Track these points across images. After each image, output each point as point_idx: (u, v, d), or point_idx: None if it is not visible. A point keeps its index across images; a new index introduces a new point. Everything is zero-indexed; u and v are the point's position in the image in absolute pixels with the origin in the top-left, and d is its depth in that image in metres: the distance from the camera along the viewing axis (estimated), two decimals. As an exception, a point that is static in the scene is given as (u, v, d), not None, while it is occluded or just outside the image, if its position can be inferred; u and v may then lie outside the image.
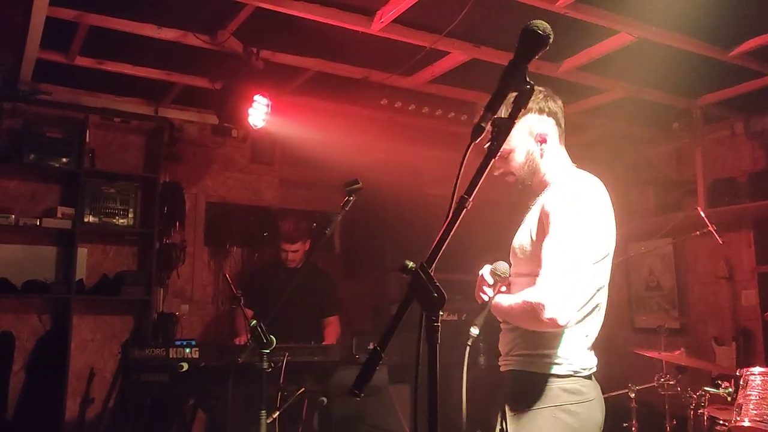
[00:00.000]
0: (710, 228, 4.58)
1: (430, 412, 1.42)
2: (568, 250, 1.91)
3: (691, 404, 4.07)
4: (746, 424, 3.55)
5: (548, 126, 2.19)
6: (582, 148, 5.97)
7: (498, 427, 2.08)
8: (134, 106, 5.32)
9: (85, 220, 4.96)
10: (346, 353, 4.32)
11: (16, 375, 4.76)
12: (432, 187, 5.76)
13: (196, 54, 4.23)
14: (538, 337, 2.02)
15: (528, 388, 2.00)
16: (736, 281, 5.40)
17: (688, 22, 3.71)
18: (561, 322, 1.86)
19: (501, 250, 2.24)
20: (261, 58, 4.19)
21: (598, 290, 2.05)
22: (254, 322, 2.85)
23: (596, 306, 2.06)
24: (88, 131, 5.03)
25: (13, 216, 4.69)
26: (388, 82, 4.67)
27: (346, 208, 2.96)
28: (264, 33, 4.01)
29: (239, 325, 4.83)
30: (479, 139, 1.52)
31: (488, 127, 1.53)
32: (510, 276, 2.14)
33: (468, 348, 1.98)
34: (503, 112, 1.57)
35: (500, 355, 2.19)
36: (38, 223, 4.77)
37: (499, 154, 1.54)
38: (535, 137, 2.16)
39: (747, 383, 3.67)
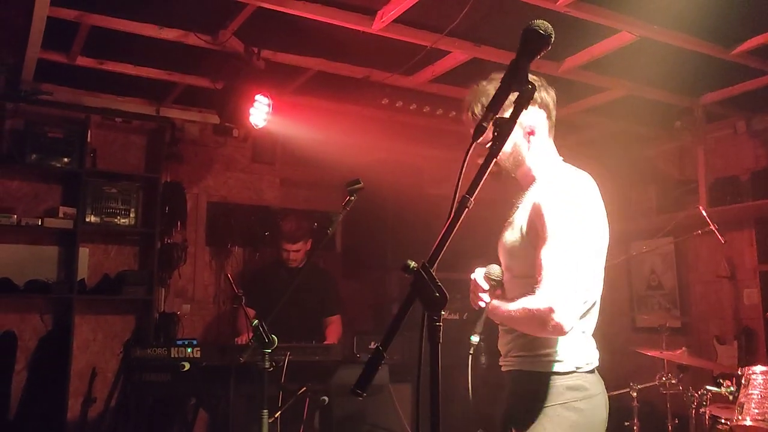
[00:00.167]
0: (712, 227, 4.57)
1: (432, 411, 1.42)
2: (567, 252, 1.87)
3: (693, 403, 4.07)
4: (748, 423, 3.55)
5: (539, 118, 2.12)
6: (583, 147, 6.00)
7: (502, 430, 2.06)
8: (135, 106, 5.32)
9: (87, 219, 4.97)
10: (347, 353, 4.32)
11: (19, 374, 4.76)
12: (433, 187, 5.77)
13: (198, 54, 4.23)
14: (533, 338, 1.99)
15: (530, 387, 1.98)
16: (737, 280, 5.39)
17: (690, 20, 3.71)
18: (566, 329, 1.83)
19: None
20: (262, 58, 4.19)
21: (593, 288, 2.02)
22: (256, 321, 2.85)
23: (592, 304, 2.04)
24: (89, 131, 5.03)
25: (15, 216, 4.70)
26: (389, 81, 4.67)
27: (348, 208, 2.97)
28: (265, 33, 4.01)
29: (241, 325, 4.84)
30: (481, 138, 1.53)
31: (490, 127, 1.53)
32: (504, 275, 2.10)
33: (470, 357, 1.97)
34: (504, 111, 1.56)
35: (500, 355, 2.18)
36: (40, 223, 4.77)
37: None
38: (524, 129, 2.09)
39: (749, 382, 3.67)
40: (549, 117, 2.15)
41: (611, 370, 5.22)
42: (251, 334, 2.89)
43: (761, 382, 3.64)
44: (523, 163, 2.12)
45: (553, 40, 1.48)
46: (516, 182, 2.17)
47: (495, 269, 2.07)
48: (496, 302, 2.04)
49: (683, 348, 4.40)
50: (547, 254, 1.88)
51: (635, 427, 4.40)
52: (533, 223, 1.97)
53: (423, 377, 1.41)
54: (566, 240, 1.88)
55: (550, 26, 1.48)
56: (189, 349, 3.72)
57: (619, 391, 4.49)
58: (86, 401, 4.87)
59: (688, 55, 4.14)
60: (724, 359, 5.14)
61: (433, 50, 4.09)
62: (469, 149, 1.52)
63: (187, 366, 3.61)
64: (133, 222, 5.17)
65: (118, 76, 4.64)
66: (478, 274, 2.09)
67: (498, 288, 2.08)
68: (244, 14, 3.70)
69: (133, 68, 4.56)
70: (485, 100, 2.05)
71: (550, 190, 1.97)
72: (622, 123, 5.60)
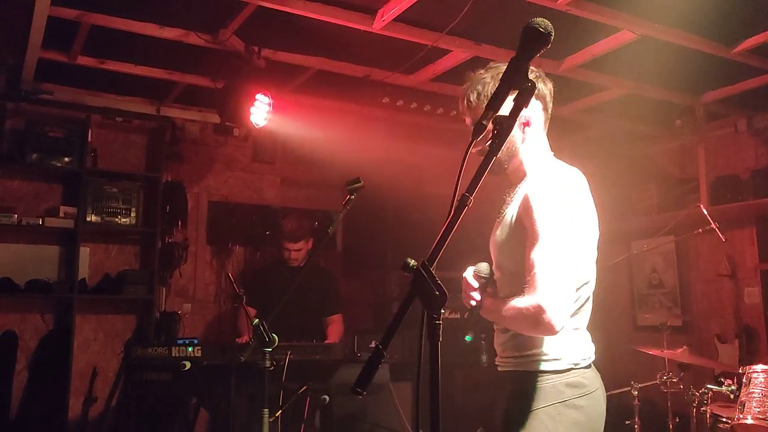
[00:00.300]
0: (713, 225, 4.57)
1: (432, 410, 1.42)
2: (557, 250, 1.85)
3: (694, 402, 4.07)
4: (749, 421, 3.55)
5: (535, 110, 2.09)
6: (584, 146, 6.00)
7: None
8: (136, 105, 5.32)
9: (88, 219, 4.97)
10: (347, 352, 4.32)
11: (19, 374, 4.76)
12: (433, 186, 5.76)
13: (198, 53, 4.23)
14: (528, 337, 1.98)
15: (529, 387, 1.96)
16: (738, 279, 5.39)
17: (691, 19, 3.70)
18: (557, 328, 1.81)
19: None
20: (262, 57, 4.19)
21: (584, 285, 2.01)
22: (256, 320, 2.85)
23: (584, 301, 2.03)
24: (90, 131, 5.03)
25: (16, 215, 4.70)
26: (389, 80, 4.66)
27: (348, 207, 2.97)
28: (265, 32, 4.01)
29: (241, 324, 4.84)
30: (480, 137, 1.53)
31: (489, 126, 1.53)
32: (495, 273, 2.09)
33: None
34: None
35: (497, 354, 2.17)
36: (41, 223, 4.77)
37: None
38: (519, 120, 2.04)
39: (750, 381, 3.67)
40: (545, 109, 2.12)
41: (612, 369, 5.24)
42: (252, 333, 2.89)
43: (762, 380, 3.64)
44: (516, 155, 2.09)
45: (552, 38, 1.48)
46: (507, 178, 2.15)
47: (483, 266, 2.05)
48: (488, 301, 2.03)
49: (684, 347, 4.40)
50: (536, 252, 1.86)
51: (636, 426, 4.40)
52: (521, 219, 1.95)
53: (423, 376, 1.41)
54: (556, 237, 1.86)
55: (550, 24, 1.48)
56: (190, 349, 3.71)
57: (620, 390, 4.50)
58: (87, 401, 4.87)
59: (689, 54, 4.14)
60: (725, 358, 5.13)
61: (434, 49, 4.09)
62: (468, 147, 1.53)
63: (188, 365, 3.60)
64: (133, 221, 5.18)
65: (119, 75, 4.64)
66: (468, 273, 2.07)
67: (488, 285, 2.06)
68: (245, 13, 3.70)
69: (134, 67, 4.56)
70: (481, 88, 2.04)
71: (539, 186, 1.95)
72: (622, 122, 5.60)
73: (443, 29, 3.79)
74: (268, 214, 5.79)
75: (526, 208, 1.93)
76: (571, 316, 1.97)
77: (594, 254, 2.06)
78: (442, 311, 1.42)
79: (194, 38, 3.99)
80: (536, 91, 2.04)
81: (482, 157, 1.50)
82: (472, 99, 2.08)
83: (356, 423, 4.25)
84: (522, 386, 1.98)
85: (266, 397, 2.89)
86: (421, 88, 4.85)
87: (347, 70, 4.56)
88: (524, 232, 1.92)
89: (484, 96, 2.03)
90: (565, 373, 1.95)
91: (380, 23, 3.73)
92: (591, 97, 5.05)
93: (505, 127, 1.52)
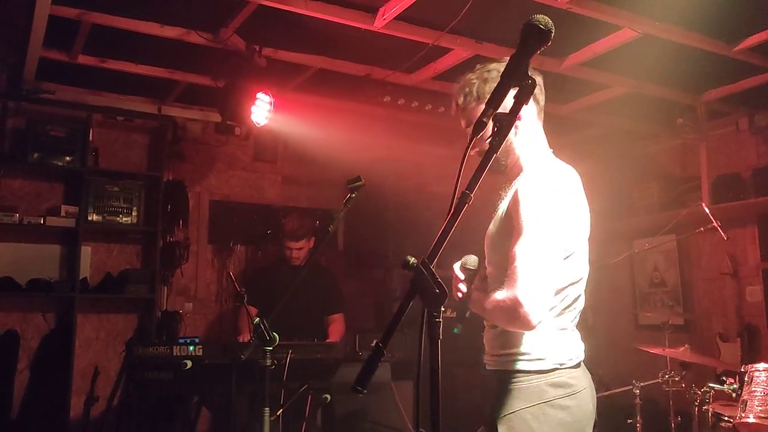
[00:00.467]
0: (715, 224, 4.55)
1: (432, 409, 1.42)
2: (539, 244, 1.85)
3: (696, 401, 4.06)
4: (751, 420, 3.55)
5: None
6: (586, 144, 5.99)
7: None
8: (137, 104, 5.33)
9: (89, 218, 4.98)
10: (349, 350, 4.32)
11: (21, 373, 4.77)
12: (434, 184, 5.76)
13: (199, 52, 4.23)
14: (513, 336, 1.98)
15: (513, 387, 1.96)
16: (740, 277, 5.38)
17: (692, 17, 3.70)
18: (534, 322, 1.81)
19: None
20: (263, 56, 4.19)
21: (572, 284, 2.00)
22: (257, 319, 2.85)
23: (572, 301, 2.01)
24: (91, 130, 5.05)
25: (18, 215, 4.71)
26: (390, 79, 4.66)
27: (349, 205, 2.97)
28: (266, 30, 4.01)
29: (242, 323, 4.84)
30: (480, 134, 1.53)
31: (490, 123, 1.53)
32: (487, 268, 2.08)
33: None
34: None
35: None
36: (42, 222, 4.78)
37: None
38: None
39: (752, 379, 3.67)
40: (536, 102, 2.11)
41: (614, 368, 5.25)
42: (253, 332, 2.89)
43: (764, 379, 3.64)
44: (512, 150, 2.09)
45: (553, 35, 1.48)
46: (505, 173, 2.15)
47: (470, 259, 2.04)
48: (475, 293, 2.03)
49: (686, 345, 4.39)
50: (519, 245, 1.87)
51: (638, 425, 4.39)
52: (511, 213, 1.95)
53: (424, 374, 1.41)
54: (539, 232, 1.86)
55: (550, 21, 1.47)
56: (191, 347, 3.71)
57: (622, 389, 4.49)
58: (89, 400, 4.87)
59: (691, 52, 4.13)
60: (727, 357, 5.12)
61: (435, 48, 4.08)
62: (468, 145, 1.53)
63: (189, 364, 3.60)
64: (135, 220, 5.19)
65: (120, 74, 4.65)
66: (456, 265, 2.08)
67: (474, 277, 2.05)
68: (246, 12, 3.70)
69: (135, 66, 4.56)
70: (468, 90, 2.07)
71: (530, 181, 1.95)
72: (624, 120, 5.59)
73: (444, 28, 3.79)
74: (269, 213, 5.80)
75: (515, 203, 1.93)
76: (557, 316, 1.98)
77: (582, 254, 2.05)
78: (443, 309, 1.42)
79: (195, 37, 4.00)
80: None
81: (480, 157, 1.50)
82: (459, 102, 2.11)
83: (357, 422, 4.26)
84: (507, 386, 1.98)
85: (267, 396, 2.89)
86: (422, 87, 4.84)
87: (348, 69, 4.56)
88: (512, 226, 1.93)
89: (473, 98, 2.07)
90: (550, 373, 1.94)
91: (381, 22, 3.73)
92: (592, 95, 5.04)
93: (505, 124, 1.51)
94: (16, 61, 4.35)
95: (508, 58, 1.54)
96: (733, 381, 3.85)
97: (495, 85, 1.55)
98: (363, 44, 4.16)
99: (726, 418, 3.76)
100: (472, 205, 1.45)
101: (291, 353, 3.51)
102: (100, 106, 5.16)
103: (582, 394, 1.97)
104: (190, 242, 5.47)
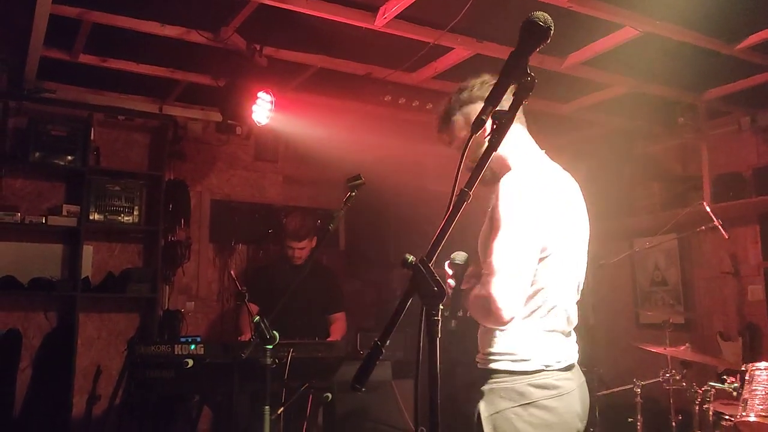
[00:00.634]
0: (716, 222, 4.55)
1: (431, 408, 1.42)
2: (512, 241, 1.87)
3: (697, 399, 4.06)
4: (752, 419, 3.55)
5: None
6: (587, 143, 6.00)
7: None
8: (138, 103, 5.33)
9: (91, 217, 4.99)
10: (350, 350, 4.32)
11: (23, 372, 4.78)
12: (435, 184, 5.76)
13: (200, 51, 4.24)
14: (499, 335, 1.99)
15: (498, 386, 1.96)
16: (741, 276, 5.38)
17: (694, 16, 3.69)
18: (506, 317, 1.83)
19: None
20: (264, 55, 4.19)
21: (557, 286, 2.00)
22: (257, 318, 2.86)
23: (558, 303, 2.01)
24: (92, 129, 5.05)
25: (19, 214, 4.72)
26: (391, 78, 4.66)
27: (348, 204, 2.97)
28: (267, 30, 4.01)
29: (243, 322, 4.84)
30: (479, 132, 1.53)
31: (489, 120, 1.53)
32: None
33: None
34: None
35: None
36: (44, 221, 4.79)
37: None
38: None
39: (752, 378, 3.67)
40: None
41: (615, 366, 5.25)
42: (253, 331, 2.89)
43: (765, 378, 3.64)
44: (495, 159, 2.11)
45: (552, 31, 1.47)
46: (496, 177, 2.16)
47: (458, 255, 2.04)
48: (464, 290, 2.02)
49: (687, 344, 4.39)
50: (494, 242, 1.89)
51: (639, 424, 4.39)
52: (490, 211, 1.98)
53: (423, 373, 1.41)
54: (512, 229, 1.88)
55: (549, 18, 1.47)
56: (192, 346, 3.71)
57: (623, 387, 4.50)
58: (90, 399, 4.88)
59: (692, 51, 4.13)
60: (728, 355, 5.12)
61: (436, 47, 4.09)
62: (467, 144, 1.53)
63: (191, 363, 3.61)
64: (136, 220, 5.19)
65: (121, 73, 4.65)
66: (447, 262, 2.10)
67: (463, 273, 2.04)
68: (246, 11, 3.70)
69: (136, 66, 4.57)
70: (444, 108, 2.23)
71: (509, 178, 1.97)
72: (625, 119, 5.60)
73: (445, 27, 3.79)
74: (270, 213, 5.81)
75: (495, 200, 1.95)
76: (543, 317, 1.98)
77: (575, 256, 2.06)
78: (441, 307, 1.42)
79: (196, 36, 4.00)
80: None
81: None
82: (440, 124, 2.26)
83: (359, 420, 4.26)
84: (492, 386, 1.98)
85: (268, 395, 2.89)
86: (422, 86, 4.85)
87: (349, 68, 4.57)
88: (491, 223, 1.95)
89: (448, 114, 2.21)
90: (535, 374, 1.94)
91: (382, 21, 3.73)
92: (593, 94, 5.04)
93: (504, 121, 1.51)
94: (17, 61, 4.36)
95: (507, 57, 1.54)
96: (734, 380, 3.86)
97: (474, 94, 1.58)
98: (364, 43, 4.16)
99: (727, 417, 3.77)
100: (471, 205, 1.45)
101: (292, 352, 3.51)
102: (102, 105, 5.17)
103: (568, 397, 1.97)
104: (192, 241, 5.48)
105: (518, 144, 2.15)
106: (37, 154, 4.82)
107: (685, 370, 4.43)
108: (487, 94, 1.99)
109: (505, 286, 1.84)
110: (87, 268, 5.06)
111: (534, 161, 2.11)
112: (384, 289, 5.93)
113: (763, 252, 5.24)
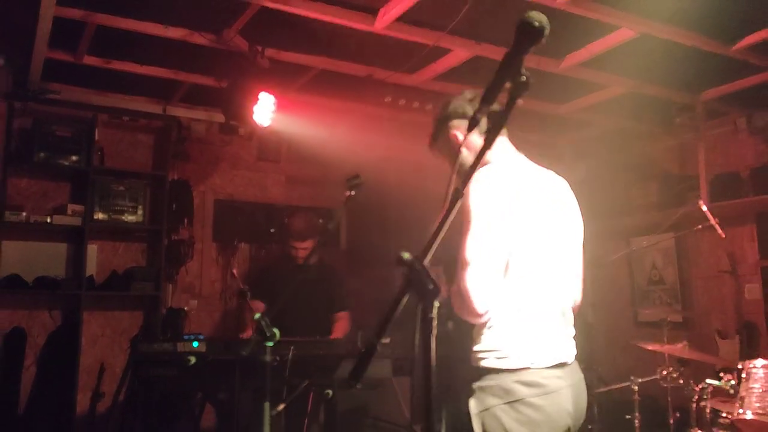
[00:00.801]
0: (713, 221, 4.57)
1: (426, 404, 1.44)
2: (475, 238, 1.92)
3: (694, 397, 4.08)
4: (749, 416, 3.57)
5: (461, 130, 2.25)
6: (585, 144, 6.02)
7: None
8: (142, 104, 5.37)
9: (95, 217, 5.03)
10: (351, 347, 4.35)
11: (28, 370, 4.82)
12: (436, 184, 5.78)
13: (203, 53, 4.27)
14: (486, 333, 2.01)
15: (485, 384, 1.98)
16: (739, 275, 5.41)
17: (690, 16, 3.72)
18: (479, 310, 1.89)
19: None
20: (266, 57, 4.22)
21: (540, 284, 2.03)
22: (258, 315, 2.89)
23: (544, 301, 2.03)
24: (96, 130, 5.09)
25: (25, 213, 4.77)
26: (391, 79, 4.70)
27: (348, 203, 3.01)
28: (269, 32, 4.04)
29: (246, 320, 4.87)
30: (473, 130, 1.57)
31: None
32: None
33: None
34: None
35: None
36: (49, 221, 4.84)
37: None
38: (455, 146, 2.23)
39: (750, 376, 3.68)
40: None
41: (613, 364, 5.29)
42: (254, 329, 2.93)
43: (762, 375, 3.65)
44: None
45: (547, 31, 1.48)
46: None
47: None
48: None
49: (684, 342, 4.41)
50: (465, 237, 1.94)
51: (636, 421, 4.42)
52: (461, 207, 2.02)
53: (422, 371, 1.44)
54: (477, 225, 1.93)
55: (544, 18, 1.47)
56: (195, 344, 3.75)
57: (621, 385, 4.52)
58: (94, 396, 4.92)
59: (689, 52, 4.15)
60: (726, 353, 5.15)
61: (435, 48, 4.12)
62: (464, 141, 1.57)
63: (193, 360, 3.64)
64: (140, 219, 5.23)
65: (125, 75, 4.69)
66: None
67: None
68: (249, 13, 3.74)
69: (139, 67, 4.60)
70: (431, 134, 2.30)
71: (476, 177, 2.00)
72: (622, 120, 5.62)
73: (444, 29, 3.82)
74: (273, 212, 5.85)
75: (464, 196, 1.99)
76: (529, 315, 2.01)
77: (565, 252, 2.10)
78: (436, 304, 1.45)
79: (199, 38, 4.04)
80: (460, 113, 2.25)
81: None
82: (432, 144, 2.36)
83: (359, 417, 4.29)
84: (480, 384, 2.01)
85: (268, 392, 2.93)
86: (422, 88, 4.88)
87: (350, 70, 4.60)
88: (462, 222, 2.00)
89: (434, 133, 2.35)
90: (520, 372, 1.96)
91: (382, 23, 3.76)
92: (590, 95, 5.06)
93: (499, 120, 1.54)
94: (22, 62, 4.40)
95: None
96: (731, 377, 3.86)
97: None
98: (364, 45, 4.20)
99: (724, 415, 3.78)
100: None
101: (293, 349, 3.55)
102: (106, 106, 5.21)
103: (556, 395, 1.97)
104: (195, 240, 5.53)
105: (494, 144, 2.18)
106: (41, 155, 4.87)
107: (682, 368, 4.44)
108: (466, 110, 2.09)
109: (475, 279, 1.89)
110: (91, 267, 5.10)
111: (507, 160, 2.15)
112: (385, 288, 5.96)
113: (760, 251, 5.27)
